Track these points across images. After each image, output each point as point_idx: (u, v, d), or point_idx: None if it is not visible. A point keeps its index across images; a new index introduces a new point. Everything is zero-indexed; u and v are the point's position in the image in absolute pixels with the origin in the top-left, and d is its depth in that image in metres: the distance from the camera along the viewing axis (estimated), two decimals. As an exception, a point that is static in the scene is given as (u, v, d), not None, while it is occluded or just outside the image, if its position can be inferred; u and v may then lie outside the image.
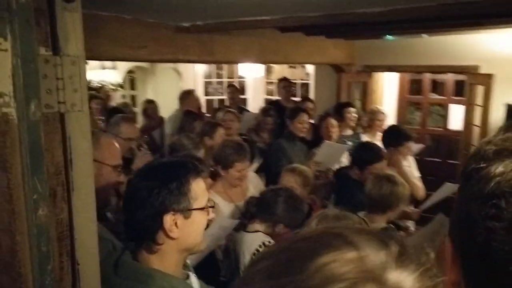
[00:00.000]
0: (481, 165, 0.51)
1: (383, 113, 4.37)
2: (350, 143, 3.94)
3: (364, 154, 2.88)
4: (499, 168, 0.50)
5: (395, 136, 3.30)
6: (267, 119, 4.27)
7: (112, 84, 7.85)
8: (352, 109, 4.51)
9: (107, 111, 5.06)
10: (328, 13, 2.51)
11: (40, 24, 0.92)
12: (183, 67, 8.20)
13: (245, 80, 8.63)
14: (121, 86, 8.21)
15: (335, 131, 3.92)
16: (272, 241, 2.05)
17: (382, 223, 2.23)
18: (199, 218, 1.28)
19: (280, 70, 8.42)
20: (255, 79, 8.47)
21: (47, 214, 0.95)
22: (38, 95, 0.91)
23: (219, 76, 8.62)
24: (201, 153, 2.89)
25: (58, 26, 0.96)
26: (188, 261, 1.60)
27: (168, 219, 1.21)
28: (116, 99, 7.54)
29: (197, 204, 1.27)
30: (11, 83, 0.88)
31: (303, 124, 3.79)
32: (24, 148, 0.91)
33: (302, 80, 8.22)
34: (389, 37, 4.84)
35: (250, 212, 2.17)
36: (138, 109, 7.37)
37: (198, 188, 1.28)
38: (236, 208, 2.57)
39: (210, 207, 1.33)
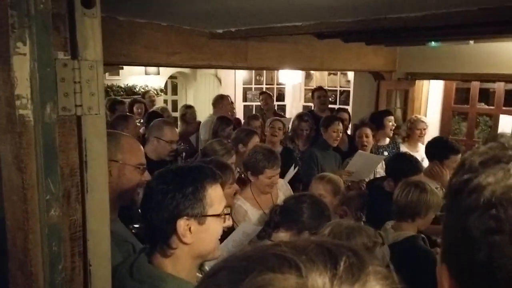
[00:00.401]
0: (469, 177, 0.47)
1: (423, 122, 4.19)
2: (386, 153, 3.81)
3: (399, 166, 2.77)
4: (489, 177, 0.46)
5: (441, 149, 3.16)
6: (302, 125, 4.21)
7: (155, 89, 8.10)
8: (391, 117, 4.33)
9: (146, 115, 5.20)
10: (364, 18, 2.44)
11: (59, 29, 0.95)
12: (223, 73, 8.32)
13: (284, 87, 8.61)
14: (162, 91, 8.44)
15: (369, 141, 3.79)
16: None
17: (412, 231, 2.15)
18: (214, 225, 1.27)
19: (320, 77, 8.34)
20: (294, 85, 8.43)
21: (59, 215, 0.98)
22: (53, 98, 0.94)
23: (258, 82, 8.66)
24: (232, 159, 2.89)
25: (77, 31, 0.98)
26: (206, 267, 1.59)
27: (182, 224, 1.20)
28: (158, 104, 7.77)
29: (212, 211, 1.25)
30: (29, 86, 0.91)
31: (337, 133, 3.70)
32: (39, 149, 0.93)
33: (342, 87, 8.10)
34: (433, 43, 4.67)
35: (274, 221, 2.12)
36: (177, 114, 7.56)
37: (215, 195, 1.27)
38: (264, 215, 2.55)
39: (226, 214, 1.31)
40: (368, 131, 3.79)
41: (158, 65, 3.36)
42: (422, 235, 2.16)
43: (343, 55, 4.39)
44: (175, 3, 2.05)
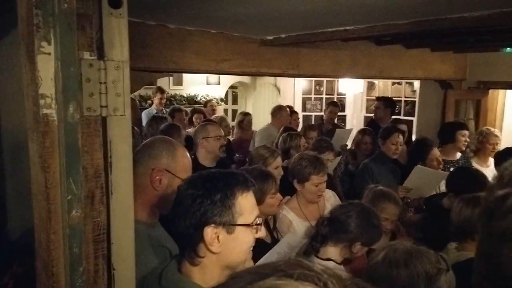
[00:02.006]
0: (507, 192, 0.35)
1: (496, 135, 3.80)
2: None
3: (462, 181, 2.51)
4: None
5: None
6: (365, 138, 4.07)
7: (215, 99, 8.29)
8: (466, 132, 3.84)
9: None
10: (421, 19, 2.26)
11: (85, 29, 0.95)
12: (282, 83, 8.30)
13: (345, 97, 8.39)
14: (222, 100, 8.61)
15: (440, 161, 3.52)
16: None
17: None
18: (244, 235, 1.20)
19: (383, 87, 8.02)
20: (355, 95, 8.19)
21: (81, 216, 0.96)
22: (77, 98, 0.93)
23: (318, 92, 8.52)
24: (277, 162, 2.85)
25: (104, 32, 0.97)
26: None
27: (209, 232, 1.15)
28: (218, 113, 7.91)
29: (242, 220, 1.19)
30: (53, 86, 0.92)
31: (396, 146, 3.49)
32: (62, 149, 0.93)
33: (407, 97, 7.71)
34: (508, 49, 4.27)
35: (322, 235, 2.00)
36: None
37: (246, 203, 1.20)
38: (310, 228, 2.43)
39: (257, 224, 1.24)
40: (438, 152, 3.50)
41: (207, 72, 3.44)
42: None
43: (405, 62, 4.15)
44: (223, 7, 2.03)
